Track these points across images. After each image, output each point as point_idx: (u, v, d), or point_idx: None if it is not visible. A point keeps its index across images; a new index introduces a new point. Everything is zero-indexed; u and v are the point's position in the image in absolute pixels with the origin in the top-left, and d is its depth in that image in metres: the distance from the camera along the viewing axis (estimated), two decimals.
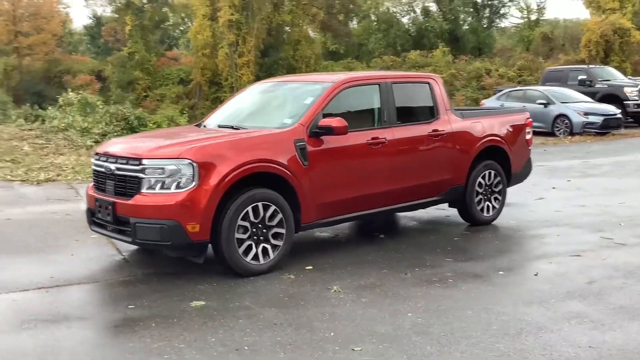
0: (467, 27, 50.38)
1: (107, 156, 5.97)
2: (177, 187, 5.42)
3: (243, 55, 37.69)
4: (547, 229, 7.57)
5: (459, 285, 5.46)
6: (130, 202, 5.54)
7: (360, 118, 6.76)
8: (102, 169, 5.96)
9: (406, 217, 8.31)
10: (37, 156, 14.24)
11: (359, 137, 6.48)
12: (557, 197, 9.47)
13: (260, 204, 5.69)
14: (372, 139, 6.54)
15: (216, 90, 36.44)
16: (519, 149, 8.10)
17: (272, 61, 37.91)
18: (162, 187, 5.46)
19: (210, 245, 5.63)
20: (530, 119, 8.43)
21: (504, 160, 7.91)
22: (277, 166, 5.80)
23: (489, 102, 20.55)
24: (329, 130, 6.06)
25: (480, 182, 7.62)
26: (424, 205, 7.47)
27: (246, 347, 4.18)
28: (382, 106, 6.78)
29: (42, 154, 14.71)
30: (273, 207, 5.77)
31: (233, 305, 5.00)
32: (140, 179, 5.51)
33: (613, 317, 4.68)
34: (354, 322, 4.63)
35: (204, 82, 36.60)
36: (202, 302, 5.03)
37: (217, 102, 34.37)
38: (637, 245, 6.74)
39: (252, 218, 5.65)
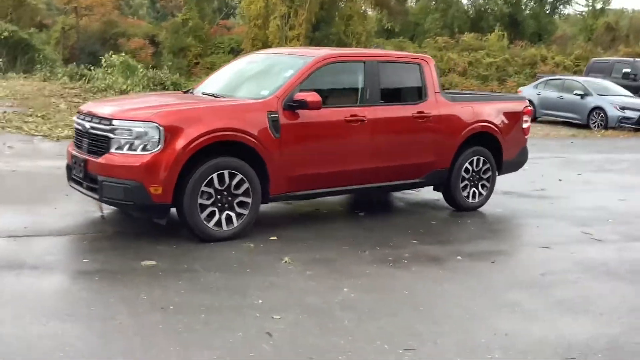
0: (528, 11, 49.24)
1: (85, 115, 6.19)
2: (143, 149, 5.60)
3: (294, 27, 37.80)
4: (531, 219, 7.52)
5: (410, 267, 5.50)
6: (99, 160, 5.75)
7: (341, 95, 6.83)
8: (80, 127, 6.19)
9: (396, 198, 8.35)
10: (68, 114, 14.68)
11: (337, 114, 6.54)
12: (559, 190, 9.32)
13: (226, 172, 5.82)
14: (351, 116, 6.58)
15: None
16: (513, 137, 8.00)
17: (323, 35, 37.89)
18: (129, 149, 5.64)
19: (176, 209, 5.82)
20: (530, 107, 8.31)
21: (495, 147, 7.83)
22: (245, 136, 5.91)
23: (525, 90, 20.16)
24: (303, 104, 6.13)
25: (467, 168, 7.57)
26: (405, 187, 7.50)
27: (171, 307, 4.35)
28: (365, 84, 6.79)
29: (74, 112, 15.16)
30: (240, 176, 5.90)
31: (181, 267, 5.17)
32: (110, 138, 5.71)
33: (547, 309, 4.68)
34: (287, 292, 4.75)
35: (253, 52, 36.83)
36: (153, 262, 5.21)
37: None
38: (613, 242, 6.64)
39: (216, 185, 5.79)
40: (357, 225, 6.87)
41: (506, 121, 7.89)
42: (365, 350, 3.86)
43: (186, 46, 38.18)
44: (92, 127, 5.94)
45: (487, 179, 7.80)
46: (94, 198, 5.99)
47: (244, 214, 5.98)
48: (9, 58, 24.91)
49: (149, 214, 5.98)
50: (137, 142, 5.61)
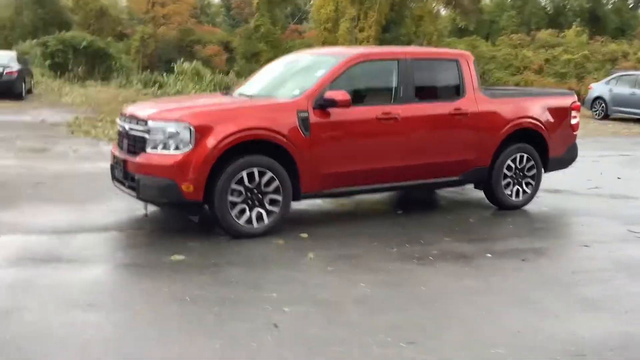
0: (610, 6, 47.54)
1: (125, 117, 6.47)
2: (176, 148, 5.81)
3: (364, 30, 37.84)
4: (577, 217, 7.34)
5: (435, 264, 5.48)
6: (136, 160, 6.01)
7: (374, 93, 6.88)
8: (121, 129, 6.47)
9: (439, 196, 8.29)
10: None
11: (369, 112, 6.58)
12: (615, 188, 9.02)
13: (256, 170, 5.96)
14: (383, 114, 6.60)
15: None
16: (560, 134, 7.81)
17: (393, 37, 37.78)
18: (163, 148, 5.87)
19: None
20: (578, 103, 8.08)
21: (540, 144, 7.67)
22: (274, 134, 6.03)
23: (597, 86, 19.49)
24: (332, 103, 6.21)
25: (509, 165, 7.44)
26: (444, 185, 7.45)
27: (188, 299, 4.51)
28: (399, 82, 6.80)
29: None
30: (269, 174, 6.02)
31: (207, 262, 5.34)
32: (146, 139, 5.96)
33: (568, 307, 4.58)
34: (303, 287, 4.83)
35: None
36: (182, 257, 5.40)
37: None
38: None
39: (246, 183, 5.93)
40: (392, 223, 6.88)
41: (552, 117, 7.71)
42: (366, 342, 3.89)
43: (258, 51, 38.88)
44: (131, 129, 6.21)
45: (532, 177, 7.64)
46: (133, 196, 6.24)
47: (275, 212, 6.10)
48: (88, 67, 26.10)
49: (183, 211, 6.18)
50: (170, 141, 5.83)
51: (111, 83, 23.86)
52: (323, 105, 6.25)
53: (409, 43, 35.66)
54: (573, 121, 7.96)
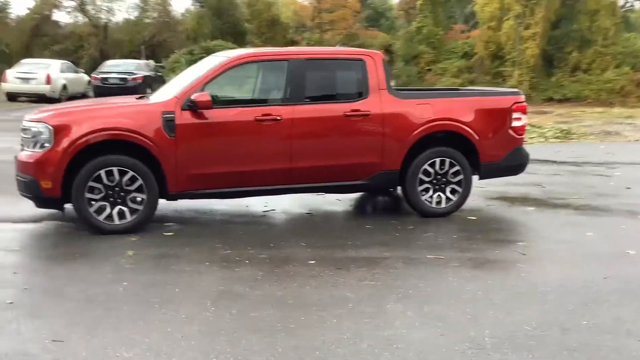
0: None
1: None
2: (40, 147, 6.26)
3: (529, 27, 35.95)
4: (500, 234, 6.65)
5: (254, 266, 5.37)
6: (16, 157, 6.54)
7: (260, 94, 6.81)
8: None
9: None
10: None
11: (246, 113, 6.55)
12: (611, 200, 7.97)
13: (115, 169, 6.21)
14: (263, 115, 6.52)
15: (498, 64, 35.42)
16: (495, 137, 7.10)
17: (563, 33, 35.40)
18: (32, 147, 6.34)
19: None
20: (522, 104, 7.25)
21: (468, 148, 7.05)
22: (135, 135, 6.23)
23: None
24: (194, 105, 6.28)
25: (426, 170, 6.94)
26: (350, 189, 7.13)
27: None
28: (287, 83, 6.67)
29: None
30: (131, 173, 6.25)
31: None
32: (22, 138, 6.47)
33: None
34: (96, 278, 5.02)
35: (486, 55, 35.84)
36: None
37: (498, 76, 33.63)
38: None
39: (105, 181, 6.21)
40: (269, 225, 6.81)
41: (484, 119, 7.04)
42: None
43: (419, 53, 38.53)
44: (22, 129, 6.77)
45: (459, 183, 7.04)
46: None
47: (139, 209, 6.32)
48: None
49: (45, 206, 6.58)
50: (35, 140, 6.28)
51: None
52: (190, 107, 6.35)
53: (581, 39, 33.24)
54: (515, 123, 7.17)
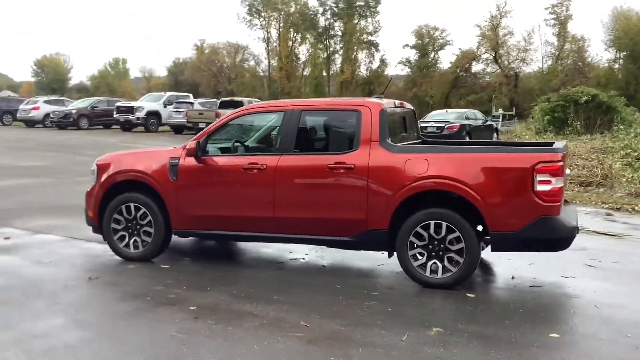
0: None
1: None
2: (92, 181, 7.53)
3: None
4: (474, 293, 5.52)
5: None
6: None
7: (255, 143, 6.99)
8: None
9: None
10: None
11: (237, 161, 6.81)
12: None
13: (132, 205, 7.11)
14: (250, 164, 6.66)
15: None
16: (509, 202, 5.83)
17: None
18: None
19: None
20: (552, 164, 5.72)
21: (472, 213, 5.95)
22: (146, 177, 7.06)
23: None
24: (187, 152, 6.84)
25: (419, 233, 6.09)
26: (337, 244, 6.60)
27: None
28: (280, 133, 6.71)
29: None
30: (143, 210, 7.08)
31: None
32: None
33: None
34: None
35: None
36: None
37: None
38: None
39: (124, 214, 7.15)
40: (255, 271, 6.78)
41: (492, 179, 5.88)
42: None
43: None
44: None
45: (458, 252, 6.01)
46: None
47: (148, 242, 7.09)
48: (588, 121, 25.62)
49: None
50: (92, 177, 7.53)
51: (596, 135, 23.11)
52: (189, 153, 6.90)
53: None
54: (541, 187, 5.76)
